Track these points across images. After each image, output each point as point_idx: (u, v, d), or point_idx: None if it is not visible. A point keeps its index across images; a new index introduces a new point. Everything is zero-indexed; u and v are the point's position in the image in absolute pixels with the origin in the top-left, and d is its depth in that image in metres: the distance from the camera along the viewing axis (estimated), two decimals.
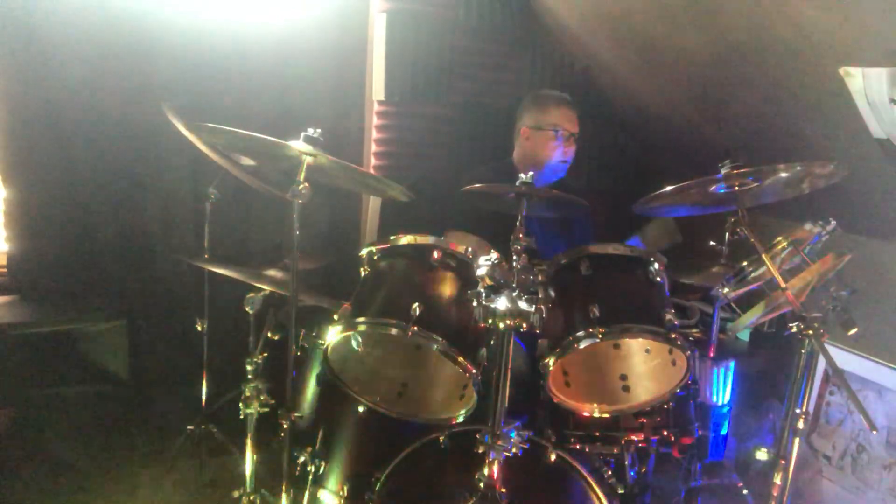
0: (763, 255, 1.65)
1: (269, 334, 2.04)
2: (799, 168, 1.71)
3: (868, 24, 1.79)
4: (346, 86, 3.07)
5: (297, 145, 1.73)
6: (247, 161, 2.34)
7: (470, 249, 1.80)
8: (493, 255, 1.62)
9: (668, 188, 1.82)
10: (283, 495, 1.87)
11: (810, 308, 1.61)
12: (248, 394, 1.96)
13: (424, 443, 1.89)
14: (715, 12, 2.26)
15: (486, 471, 1.55)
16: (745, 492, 2.51)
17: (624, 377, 1.93)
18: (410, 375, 1.95)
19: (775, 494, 1.74)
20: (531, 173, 1.84)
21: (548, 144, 2.61)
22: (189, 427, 2.59)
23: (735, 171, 1.71)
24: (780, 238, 1.74)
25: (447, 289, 1.79)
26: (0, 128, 2.56)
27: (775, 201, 1.96)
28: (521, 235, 1.70)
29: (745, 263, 1.79)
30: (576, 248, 1.85)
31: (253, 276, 2.02)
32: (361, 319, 1.74)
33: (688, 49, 2.56)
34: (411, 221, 2.17)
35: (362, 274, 1.88)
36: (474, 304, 1.55)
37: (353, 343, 1.80)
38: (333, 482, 1.96)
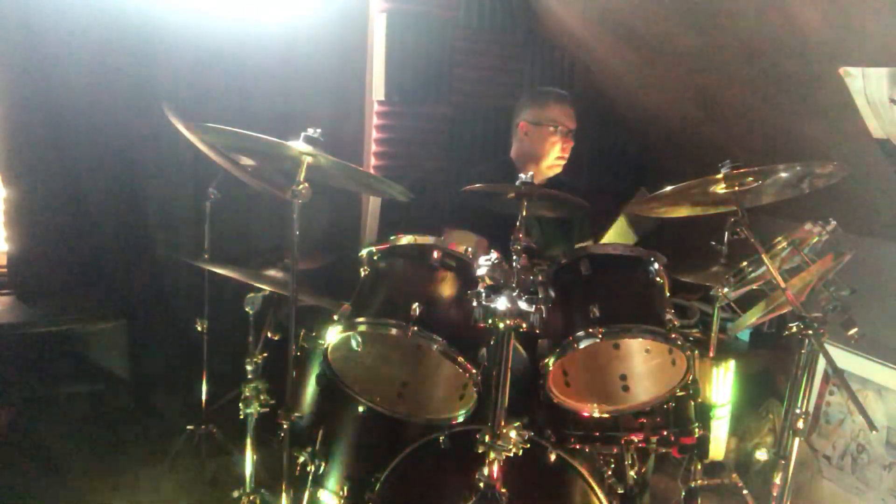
0: (763, 255, 1.65)
1: (269, 334, 2.04)
2: (799, 168, 1.71)
3: (868, 24, 1.79)
4: (346, 86, 3.07)
5: (297, 145, 1.73)
6: (247, 161, 2.34)
7: (470, 249, 1.80)
8: (493, 255, 1.62)
9: (668, 188, 1.82)
10: (283, 495, 1.86)
11: (810, 308, 1.61)
12: (248, 394, 1.96)
13: (424, 443, 1.88)
14: (715, 13, 2.26)
15: (486, 471, 1.54)
16: (745, 492, 2.51)
17: (624, 377, 1.92)
18: (410, 375, 1.94)
19: (775, 494, 1.74)
20: (531, 173, 1.84)
21: (546, 140, 2.62)
22: (189, 427, 2.59)
23: (735, 171, 1.71)
24: (780, 238, 1.74)
25: (447, 289, 1.78)
26: (0, 128, 2.56)
27: (775, 201, 1.96)
28: (521, 235, 1.70)
29: (745, 263, 1.79)
30: (576, 248, 1.85)
31: (253, 276, 2.02)
32: (361, 319, 1.73)
33: (688, 49, 2.56)
34: (411, 221, 2.17)
35: (362, 274, 1.88)
36: (474, 304, 1.55)
37: (353, 343, 1.80)
38: (333, 482, 1.95)
